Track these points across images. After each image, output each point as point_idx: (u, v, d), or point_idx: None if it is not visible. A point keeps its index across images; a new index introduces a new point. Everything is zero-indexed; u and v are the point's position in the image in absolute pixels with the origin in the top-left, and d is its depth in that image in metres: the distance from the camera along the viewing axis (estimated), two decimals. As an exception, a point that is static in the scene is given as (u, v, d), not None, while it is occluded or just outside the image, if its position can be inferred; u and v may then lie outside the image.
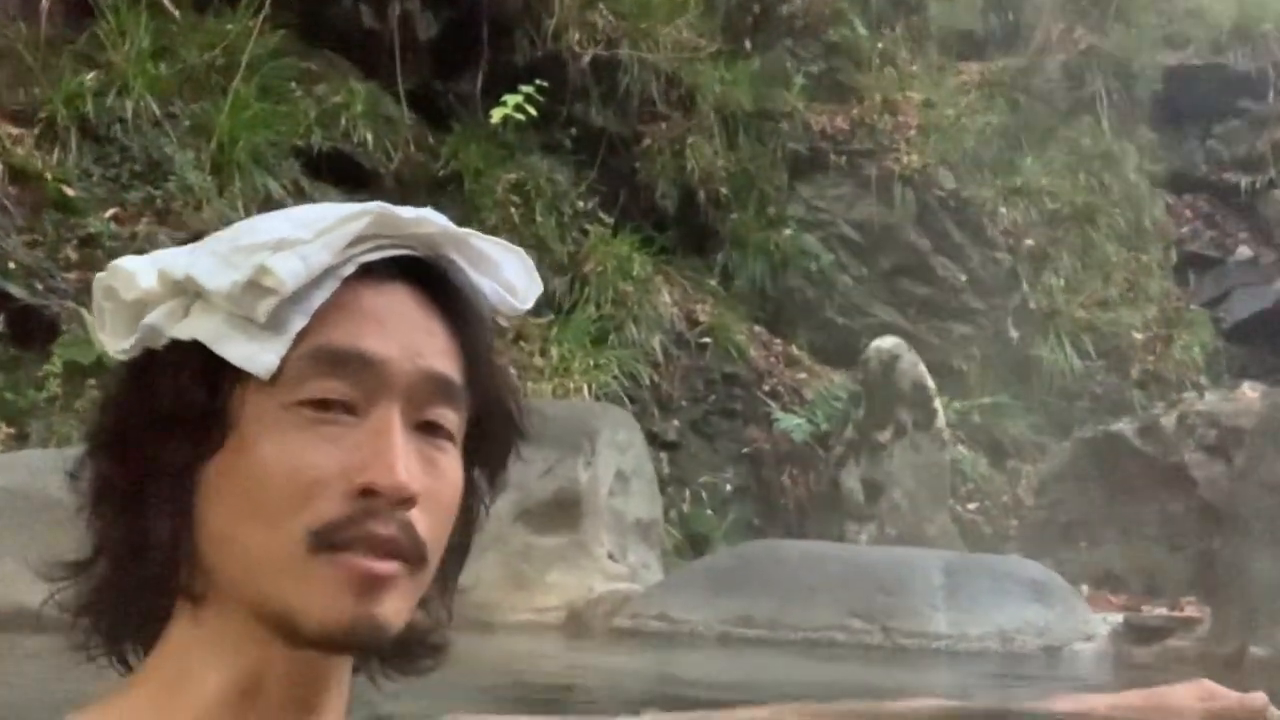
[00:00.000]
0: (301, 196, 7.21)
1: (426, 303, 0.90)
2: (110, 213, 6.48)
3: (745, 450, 7.47)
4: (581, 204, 7.69)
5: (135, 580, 0.89)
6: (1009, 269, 8.88)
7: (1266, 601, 3.49)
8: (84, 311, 5.88)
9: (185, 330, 0.88)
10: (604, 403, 6.09)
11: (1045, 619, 3.86)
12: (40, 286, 6.04)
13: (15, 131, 6.45)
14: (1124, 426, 6.01)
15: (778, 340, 8.20)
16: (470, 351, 0.91)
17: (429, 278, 0.91)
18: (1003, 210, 9.02)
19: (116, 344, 0.91)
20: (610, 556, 4.88)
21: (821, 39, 8.93)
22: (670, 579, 4.68)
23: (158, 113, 6.81)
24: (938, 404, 6.71)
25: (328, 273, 0.87)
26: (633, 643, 4.20)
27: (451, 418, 0.90)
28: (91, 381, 5.64)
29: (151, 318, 0.89)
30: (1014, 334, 8.75)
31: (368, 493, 0.84)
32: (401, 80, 7.65)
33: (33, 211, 6.28)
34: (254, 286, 0.86)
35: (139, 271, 0.90)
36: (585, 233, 7.60)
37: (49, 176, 6.35)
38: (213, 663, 0.88)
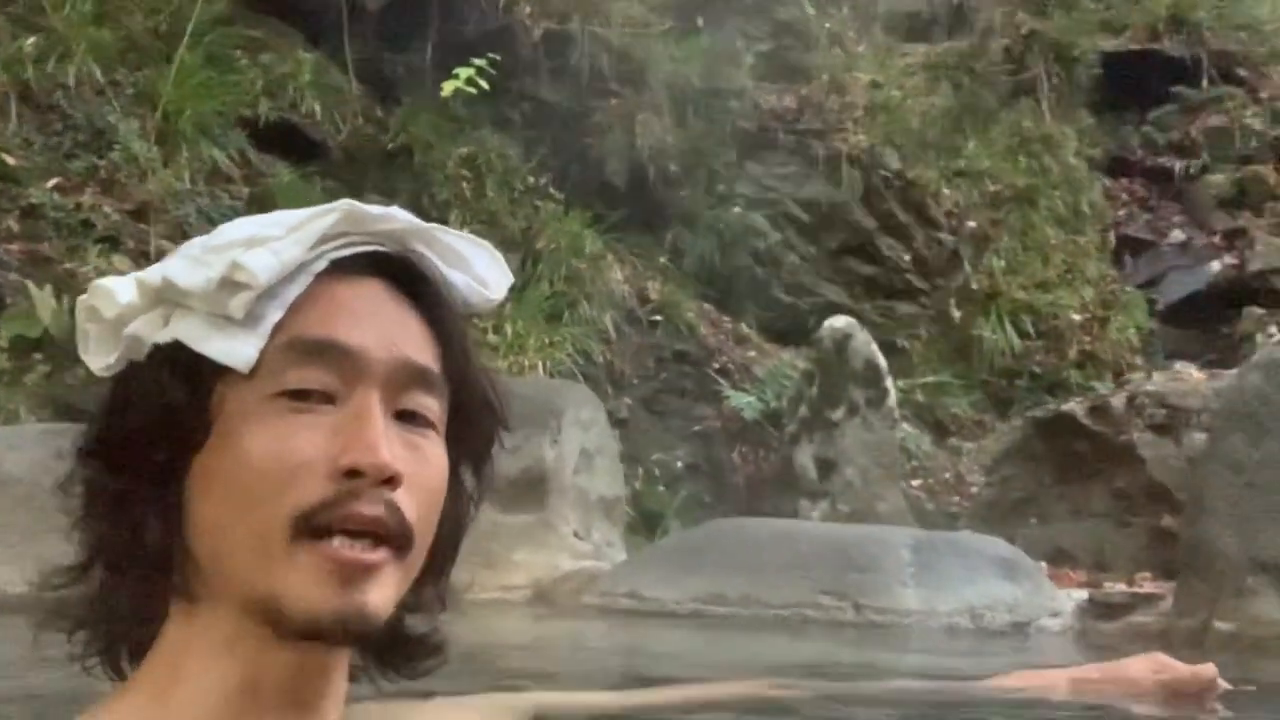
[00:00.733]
0: (248, 167, 7.07)
1: (399, 296, 0.92)
2: (53, 183, 6.30)
3: (696, 428, 7.50)
4: (532, 179, 7.64)
5: (130, 583, 0.90)
6: (952, 249, 8.99)
7: (1229, 579, 3.58)
8: (29, 284, 5.73)
9: (166, 335, 0.89)
10: (567, 380, 6.08)
11: (1014, 595, 3.91)
12: (-18, 259, 5.87)
13: (-47, 98, 6.27)
14: (1074, 406, 6.13)
15: (726, 318, 8.23)
16: (445, 342, 0.93)
17: (400, 272, 0.93)
18: (946, 191, 9.12)
19: (101, 362, 0.92)
20: (575, 534, 4.88)
21: (771, 18, 8.96)
22: (639, 556, 4.69)
23: (101, 80, 6.63)
24: (889, 383, 6.79)
25: (300, 268, 0.89)
26: (603, 620, 4.20)
27: (432, 406, 0.91)
28: (39, 355, 5.52)
29: (133, 327, 0.90)
30: (956, 314, 8.87)
31: (351, 474, 0.85)
32: (350, 51, 7.54)
33: (-28, 181, 6.11)
34: (228, 283, 0.87)
35: (118, 288, 0.91)
36: (536, 209, 7.56)
37: (-11, 145, 6.18)
38: (209, 662, 0.89)
